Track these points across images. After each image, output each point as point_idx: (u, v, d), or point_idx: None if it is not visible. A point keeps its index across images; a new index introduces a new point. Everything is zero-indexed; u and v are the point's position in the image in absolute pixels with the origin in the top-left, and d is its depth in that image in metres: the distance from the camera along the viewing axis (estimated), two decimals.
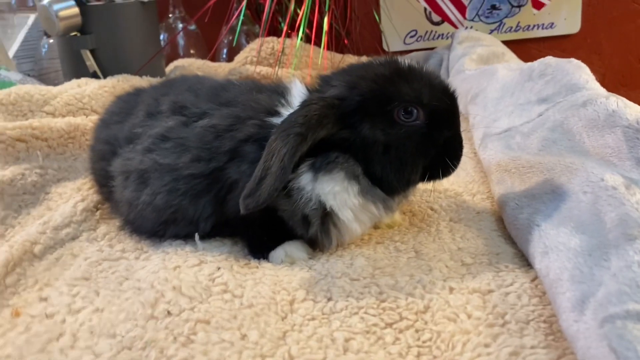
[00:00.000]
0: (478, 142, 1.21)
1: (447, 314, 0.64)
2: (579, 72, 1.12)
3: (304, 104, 0.77)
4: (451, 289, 0.69)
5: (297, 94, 0.83)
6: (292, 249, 0.81)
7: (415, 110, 0.78)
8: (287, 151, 0.72)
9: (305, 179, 0.77)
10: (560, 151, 0.91)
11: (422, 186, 0.88)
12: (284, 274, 0.76)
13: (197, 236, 0.83)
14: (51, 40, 1.86)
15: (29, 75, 1.73)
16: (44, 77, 1.85)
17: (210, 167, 0.80)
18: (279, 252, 0.81)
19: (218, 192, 0.81)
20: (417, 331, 0.62)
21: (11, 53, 1.78)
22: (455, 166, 0.81)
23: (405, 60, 0.82)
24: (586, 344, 0.51)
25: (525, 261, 0.76)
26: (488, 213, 0.93)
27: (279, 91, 0.86)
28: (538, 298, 0.66)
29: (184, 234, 0.85)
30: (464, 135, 0.83)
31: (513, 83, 1.32)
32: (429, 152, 0.79)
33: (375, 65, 0.82)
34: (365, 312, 0.66)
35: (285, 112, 0.80)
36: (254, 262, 0.80)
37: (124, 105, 1.03)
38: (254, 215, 0.77)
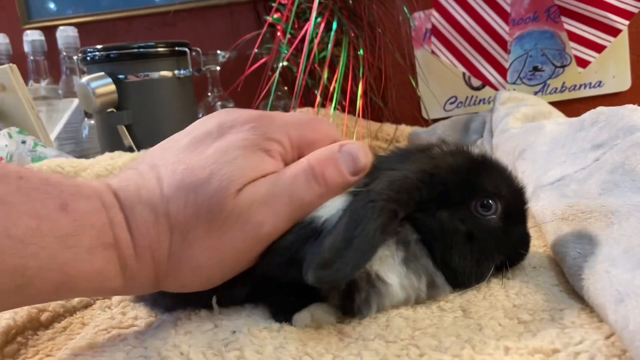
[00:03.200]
0: (529, 196, 1.10)
1: None
2: (636, 114, 1.02)
3: (391, 179, 0.69)
4: (507, 349, 0.57)
5: None
6: (319, 311, 0.71)
7: (493, 204, 0.74)
8: (377, 226, 0.63)
9: None
10: (624, 193, 0.80)
11: None
12: (309, 337, 0.66)
13: (214, 299, 0.75)
14: (92, 122, 1.90)
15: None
16: (84, 158, 1.88)
17: None
18: (304, 315, 0.71)
19: None
20: None
21: (54, 135, 1.82)
22: (522, 260, 0.80)
23: (474, 148, 0.79)
24: None
25: (595, 317, 0.63)
26: (546, 267, 0.81)
27: None
28: (617, 358, 0.54)
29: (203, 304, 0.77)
30: None
31: (563, 135, 1.23)
32: (505, 247, 0.76)
33: (447, 153, 0.77)
34: None
35: None
36: (275, 326, 0.70)
37: None
38: (281, 276, 0.69)
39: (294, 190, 0.63)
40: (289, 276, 0.68)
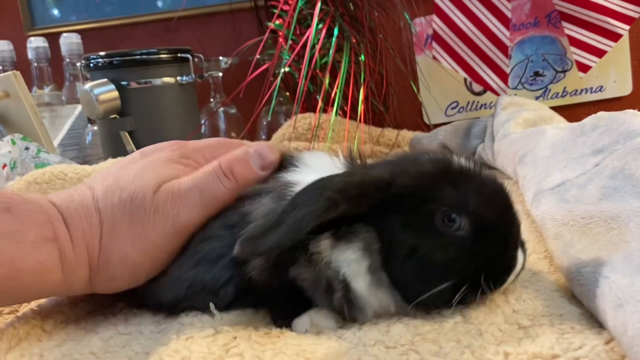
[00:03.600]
0: (530, 201, 1.10)
1: None
2: (636, 119, 1.03)
3: (348, 173, 0.71)
4: (506, 354, 0.57)
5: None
6: (318, 317, 0.71)
7: (457, 219, 0.67)
8: (310, 211, 0.64)
9: (324, 244, 0.68)
10: (624, 198, 0.80)
11: None
12: (309, 343, 0.66)
13: (212, 305, 0.75)
14: (95, 128, 1.91)
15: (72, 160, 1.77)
16: (87, 164, 1.89)
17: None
18: (303, 320, 0.71)
19: None
20: None
21: (57, 141, 1.83)
22: (495, 288, 0.69)
23: (460, 159, 0.72)
24: None
25: (595, 322, 0.64)
26: (546, 273, 0.82)
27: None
28: None
29: (203, 305, 0.77)
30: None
31: (564, 140, 1.23)
32: (463, 270, 0.66)
33: (423, 160, 0.73)
34: None
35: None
36: (275, 331, 0.71)
37: None
38: (276, 280, 0.70)
39: (205, 185, 0.73)
40: None
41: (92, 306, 0.87)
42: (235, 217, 0.75)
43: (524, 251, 0.73)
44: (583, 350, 0.57)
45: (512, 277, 0.70)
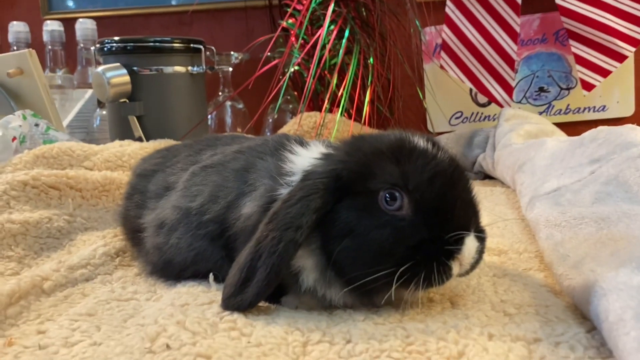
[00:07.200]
0: (525, 206, 1.13)
1: None
2: (633, 132, 1.05)
3: (302, 188, 0.67)
4: (490, 336, 0.59)
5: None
6: (307, 296, 0.72)
7: (399, 197, 0.64)
8: (276, 262, 0.64)
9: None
10: (616, 202, 0.82)
11: None
12: (301, 315, 0.68)
13: (211, 276, 0.77)
14: (103, 112, 1.94)
15: None
16: None
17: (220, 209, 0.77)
18: (291, 298, 0.73)
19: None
20: None
21: (65, 123, 1.86)
22: (441, 280, 0.63)
23: (416, 137, 0.68)
24: None
25: (579, 314, 0.65)
26: (536, 270, 0.84)
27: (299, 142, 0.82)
28: (595, 349, 0.56)
29: (204, 272, 0.80)
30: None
31: (563, 151, 1.26)
32: (399, 253, 0.63)
33: (379, 138, 0.70)
34: (389, 356, 0.57)
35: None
36: (268, 305, 0.73)
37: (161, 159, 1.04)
38: None
39: None
40: None
41: (90, 273, 0.89)
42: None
43: (481, 239, 0.67)
44: (565, 336, 0.59)
45: (456, 265, 0.64)
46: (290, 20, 1.99)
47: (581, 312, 0.65)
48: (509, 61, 1.94)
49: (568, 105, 2.11)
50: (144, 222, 0.89)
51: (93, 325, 0.69)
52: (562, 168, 1.13)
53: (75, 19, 2.31)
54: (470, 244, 0.64)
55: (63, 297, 0.81)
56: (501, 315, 0.66)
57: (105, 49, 1.71)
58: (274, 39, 1.88)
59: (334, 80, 1.78)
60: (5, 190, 1.06)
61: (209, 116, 2.10)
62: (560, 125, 1.92)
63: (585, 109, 2.10)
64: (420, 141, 0.68)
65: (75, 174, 1.17)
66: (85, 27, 2.22)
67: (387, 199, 0.64)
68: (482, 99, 2.14)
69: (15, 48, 2.26)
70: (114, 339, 0.65)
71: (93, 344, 0.64)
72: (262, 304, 0.73)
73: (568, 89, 2.10)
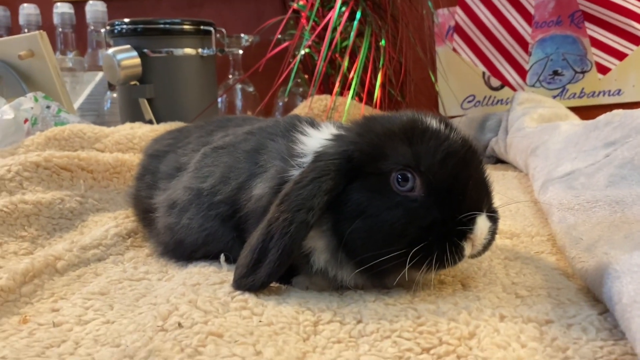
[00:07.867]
0: (537, 189, 1.12)
1: (497, 341, 0.54)
2: None
3: (314, 169, 0.67)
4: (502, 317, 0.59)
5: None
6: (317, 277, 0.72)
7: (411, 177, 0.64)
8: (287, 242, 0.64)
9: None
10: (630, 185, 0.82)
11: None
12: (312, 296, 0.68)
13: (222, 257, 0.78)
14: (114, 95, 1.94)
15: None
16: None
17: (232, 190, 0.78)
18: (302, 278, 0.73)
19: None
20: (459, 357, 0.53)
21: (76, 106, 1.86)
22: (453, 260, 0.63)
23: (429, 118, 0.68)
24: None
25: (591, 297, 0.65)
26: (548, 253, 0.83)
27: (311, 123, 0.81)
28: (607, 331, 0.56)
29: (216, 253, 0.80)
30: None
31: (577, 134, 1.24)
32: (413, 234, 0.63)
33: (392, 118, 0.70)
34: (399, 336, 0.57)
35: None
36: (279, 286, 0.73)
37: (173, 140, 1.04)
38: None
39: None
40: None
41: (103, 253, 0.90)
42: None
43: (494, 219, 0.67)
44: (577, 318, 0.59)
45: (468, 245, 0.64)
46: (301, 2, 1.97)
47: (593, 294, 0.65)
48: (523, 44, 1.91)
49: (582, 89, 2.08)
50: (156, 202, 0.89)
51: (106, 304, 0.70)
52: (576, 152, 1.12)
53: (86, 1, 2.31)
54: (482, 224, 0.64)
55: (76, 276, 0.82)
56: (513, 297, 0.66)
57: (116, 31, 1.71)
58: (284, 21, 1.87)
59: (345, 63, 1.77)
60: (18, 172, 1.07)
61: (219, 99, 2.10)
62: (574, 109, 1.90)
63: (600, 92, 2.07)
64: (432, 122, 0.67)
65: (87, 156, 1.18)
66: (95, 9, 2.22)
67: (399, 179, 0.64)
68: (495, 82, 2.12)
69: (26, 30, 2.26)
70: (127, 317, 0.66)
71: (106, 322, 0.65)
72: (273, 284, 0.73)
73: (583, 72, 2.07)
